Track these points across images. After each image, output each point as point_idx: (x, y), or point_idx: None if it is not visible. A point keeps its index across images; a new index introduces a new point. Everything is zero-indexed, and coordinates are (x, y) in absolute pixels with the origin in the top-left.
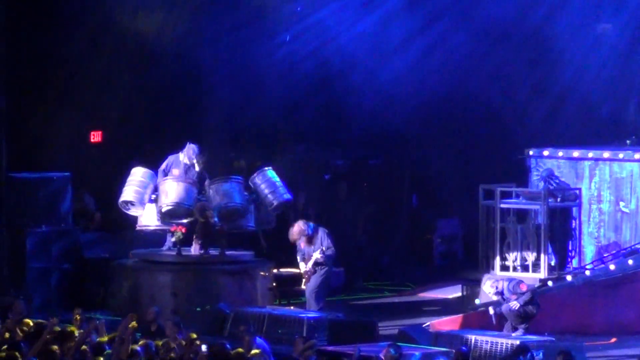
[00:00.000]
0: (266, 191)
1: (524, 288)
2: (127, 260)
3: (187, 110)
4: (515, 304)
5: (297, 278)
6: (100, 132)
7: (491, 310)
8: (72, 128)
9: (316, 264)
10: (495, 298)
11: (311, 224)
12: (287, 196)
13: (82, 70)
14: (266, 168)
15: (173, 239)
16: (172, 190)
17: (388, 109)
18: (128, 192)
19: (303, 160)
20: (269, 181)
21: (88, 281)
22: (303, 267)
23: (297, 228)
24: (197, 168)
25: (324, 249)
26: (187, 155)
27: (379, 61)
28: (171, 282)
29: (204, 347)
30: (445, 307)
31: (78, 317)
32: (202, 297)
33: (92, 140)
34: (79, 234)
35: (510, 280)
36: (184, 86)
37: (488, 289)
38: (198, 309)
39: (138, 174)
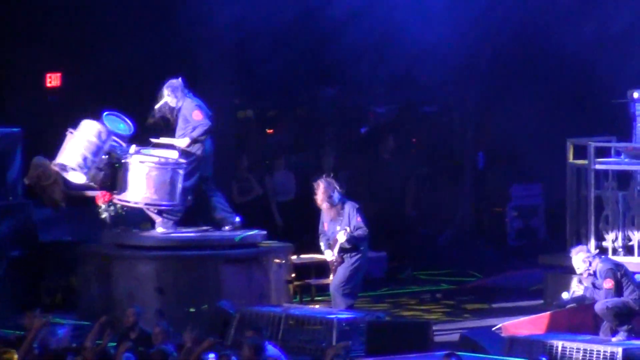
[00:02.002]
0: None
1: (608, 285)
2: (97, 245)
3: (175, 45)
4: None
5: (325, 267)
6: (59, 75)
7: (574, 284)
8: (23, 69)
9: (343, 250)
10: (585, 278)
11: (337, 191)
12: None
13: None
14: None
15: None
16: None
17: (444, 41)
18: (69, 156)
19: (332, 107)
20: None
21: (45, 273)
22: (329, 255)
23: (321, 188)
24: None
25: (349, 229)
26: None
27: None
28: (155, 274)
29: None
30: (521, 304)
31: (34, 322)
32: (198, 294)
33: (48, 84)
34: (32, 210)
35: (606, 261)
36: (171, 13)
37: (579, 263)
38: (192, 310)
39: (90, 133)
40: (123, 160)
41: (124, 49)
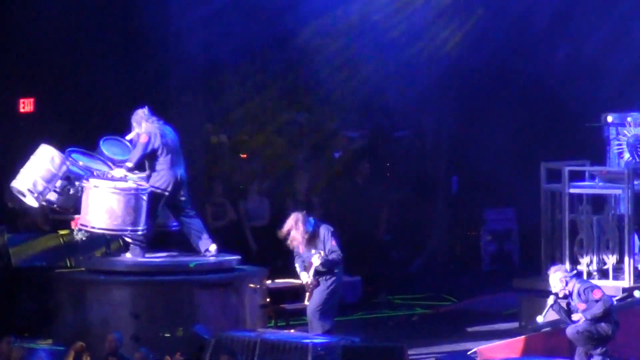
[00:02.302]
0: None
1: (597, 295)
2: (71, 270)
3: (146, 70)
4: (579, 317)
5: (299, 291)
6: (32, 100)
7: (550, 300)
8: None
9: (318, 273)
10: (561, 296)
11: (311, 219)
12: None
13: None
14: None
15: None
16: None
17: (416, 65)
18: (21, 180)
19: (304, 132)
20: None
21: (19, 298)
22: (304, 278)
23: (293, 224)
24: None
25: (323, 253)
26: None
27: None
28: (130, 299)
29: None
30: (496, 328)
31: (12, 352)
32: (173, 319)
33: (21, 109)
34: (4, 234)
35: (583, 282)
36: (143, 38)
37: (556, 281)
38: (167, 335)
39: (45, 158)
40: (82, 185)
41: (96, 74)
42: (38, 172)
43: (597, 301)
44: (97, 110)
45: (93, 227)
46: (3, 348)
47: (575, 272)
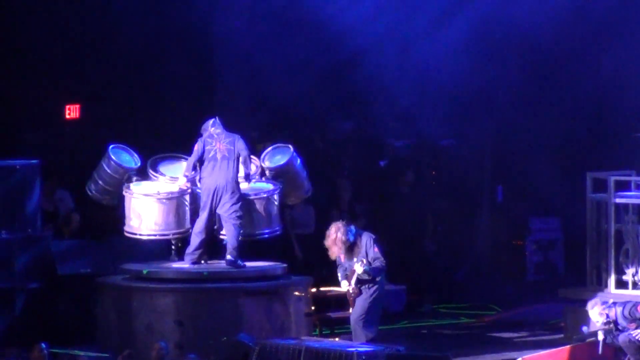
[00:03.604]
0: (303, 175)
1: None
2: (115, 277)
3: (193, 77)
4: (638, 333)
5: (344, 299)
6: (78, 106)
7: (600, 336)
8: (42, 100)
9: (361, 281)
10: (606, 328)
11: (352, 227)
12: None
13: (59, 32)
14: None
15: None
16: None
17: (461, 74)
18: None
19: (350, 141)
20: (301, 163)
21: (63, 305)
22: (345, 287)
23: (334, 236)
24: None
25: (365, 260)
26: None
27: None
28: (174, 306)
29: None
30: (541, 338)
31: (40, 357)
32: (217, 326)
33: (67, 115)
34: (50, 242)
35: (625, 304)
36: (190, 44)
37: (596, 316)
38: (211, 342)
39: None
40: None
41: (142, 81)
42: (97, 171)
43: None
44: (142, 117)
45: (141, 234)
46: (35, 355)
47: (611, 301)
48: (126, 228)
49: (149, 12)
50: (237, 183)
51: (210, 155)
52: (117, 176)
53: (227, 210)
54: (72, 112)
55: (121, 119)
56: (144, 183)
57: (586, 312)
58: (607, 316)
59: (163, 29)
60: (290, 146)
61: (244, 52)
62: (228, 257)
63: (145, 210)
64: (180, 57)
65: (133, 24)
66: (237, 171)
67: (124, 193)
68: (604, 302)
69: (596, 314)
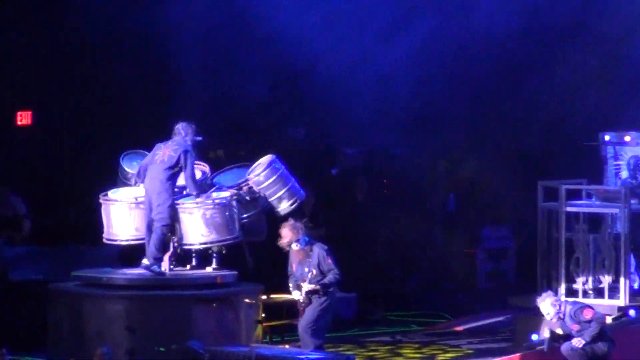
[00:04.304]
0: (283, 186)
1: (587, 315)
2: (67, 284)
3: (146, 83)
4: (578, 342)
5: (294, 307)
6: (29, 113)
7: (546, 333)
8: None
9: (312, 291)
10: (555, 322)
11: (304, 236)
12: (302, 192)
13: (11, 38)
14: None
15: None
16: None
17: (414, 84)
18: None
19: (302, 149)
20: (283, 173)
21: (15, 311)
22: (297, 295)
23: (292, 222)
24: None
25: (315, 271)
26: (191, 139)
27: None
28: (125, 313)
29: None
30: (492, 346)
31: None
32: (168, 333)
33: (19, 122)
34: (2, 248)
35: (574, 303)
36: (141, 51)
37: (548, 308)
38: (162, 349)
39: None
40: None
41: (94, 87)
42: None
43: (589, 321)
44: (94, 123)
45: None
46: None
47: (563, 295)
48: (105, 235)
49: (103, 18)
50: (168, 190)
51: (154, 159)
52: (129, 182)
53: (154, 216)
54: (23, 118)
55: (73, 125)
56: (122, 189)
57: (537, 320)
58: (559, 307)
59: (118, 35)
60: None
61: (200, 59)
62: (144, 261)
63: (124, 216)
64: (136, 64)
65: (86, 32)
66: (171, 178)
67: (100, 201)
68: (554, 295)
69: (548, 305)
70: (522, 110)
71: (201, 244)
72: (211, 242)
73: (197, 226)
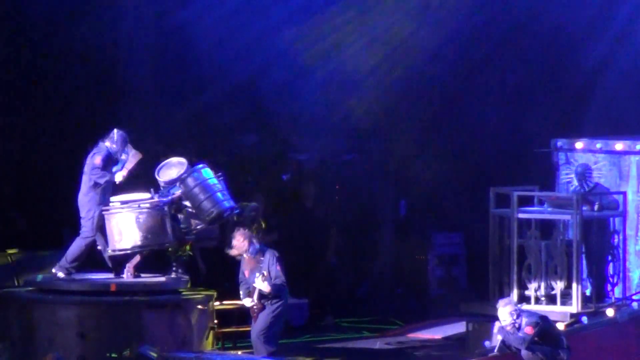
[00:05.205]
0: (201, 196)
1: (529, 331)
2: (18, 290)
3: (97, 89)
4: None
5: (247, 314)
6: None
7: (499, 337)
8: None
9: (264, 297)
10: (508, 330)
11: (256, 243)
12: (228, 204)
13: None
14: (200, 166)
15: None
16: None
17: (365, 90)
18: None
19: (253, 155)
20: (203, 183)
21: None
22: (248, 303)
23: (239, 240)
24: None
25: (266, 273)
26: (118, 148)
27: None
28: (77, 319)
29: None
30: (444, 352)
31: None
32: (120, 339)
33: None
34: None
35: (530, 315)
36: (92, 56)
37: (505, 315)
38: (113, 355)
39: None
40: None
41: (46, 92)
42: None
43: (523, 336)
44: (46, 127)
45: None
46: None
47: (523, 304)
48: (111, 248)
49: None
50: (91, 200)
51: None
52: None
53: (81, 229)
54: None
55: (24, 131)
56: (120, 196)
57: (488, 327)
58: (518, 317)
59: (66, 39)
60: (184, 161)
61: (148, 64)
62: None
63: (130, 224)
64: (84, 68)
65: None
66: (94, 187)
67: (102, 213)
68: (516, 305)
69: (506, 312)
70: (474, 116)
71: (134, 247)
72: (142, 247)
73: (130, 230)
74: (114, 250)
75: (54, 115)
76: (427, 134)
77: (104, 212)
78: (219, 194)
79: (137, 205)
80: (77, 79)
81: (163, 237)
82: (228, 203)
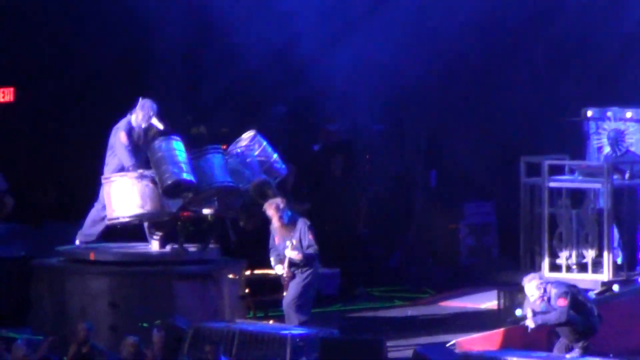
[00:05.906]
0: (162, 164)
1: (562, 303)
2: (50, 260)
3: (127, 61)
4: (531, 321)
5: (278, 282)
6: (12, 89)
7: (529, 313)
8: None
9: (294, 265)
10: (538, 304)
11: (288, 211)
12: (188, 176)
13: None
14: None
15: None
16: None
17: (395, 60)
18: None
19: (283, 126)
20: (167, 153)
21: None
22: (279, 271)
23: (273, 206)
24: (156, 128)
25: (295, 242)
26: (143, 116)
27: None
28: (109, 289)
29: None
30: (475, 321)
31: None
32: (151, 309)
33: (1, 99)
34: None
35: (559, 286)
36: (123, 29)
37: (532, 290)
38: (145, 325)
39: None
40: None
41: (76, 64)
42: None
43: (559, 309)
44: (77, 100)
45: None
46: None
47: (549, 276)
48: (109, 216)
49: None
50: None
51: None
52: None
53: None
54: (6, 95)
55: (55, 102)
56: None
57: (519, 295)
58: (544, 290)
59: (96, 12)
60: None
61: (179, 34)
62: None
63: (126, 192)
64: (116, 41)
65: (68, 5)
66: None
67: (102, 182)
68: (541, 278)
69: (533, 287)
70: (504, 86)
71: (131, 216)
72: (142, 215)
73: (131, 198)
74: (110, 220)
75: (84, 89)
76: (457, 104)
77: (103, 181)
78: (182, 165)
79: (137, 174)
80: (107, 52)
81: (160, 207)
82: (187, 175)
